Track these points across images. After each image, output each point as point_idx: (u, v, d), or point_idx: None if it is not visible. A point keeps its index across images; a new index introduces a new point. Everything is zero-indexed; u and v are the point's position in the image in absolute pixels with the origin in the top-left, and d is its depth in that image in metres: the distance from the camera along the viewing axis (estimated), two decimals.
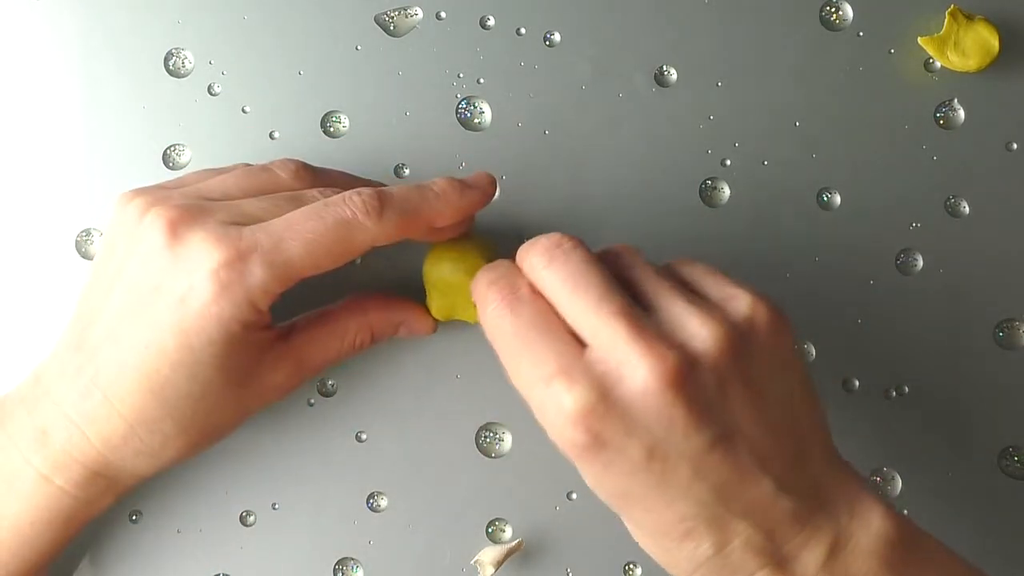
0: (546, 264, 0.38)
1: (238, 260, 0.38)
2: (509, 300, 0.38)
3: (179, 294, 0.38)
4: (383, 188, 0.40)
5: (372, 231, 0.39)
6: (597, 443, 0.36)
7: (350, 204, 0.39)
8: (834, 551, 0.37)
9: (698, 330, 0.37)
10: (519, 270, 0.39)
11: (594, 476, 0.37)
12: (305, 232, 0.38)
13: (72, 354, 0.40)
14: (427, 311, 0.44)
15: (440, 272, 0.43)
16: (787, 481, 0.37)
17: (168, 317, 0.38)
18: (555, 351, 0.37)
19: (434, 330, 0.45)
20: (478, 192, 0.41)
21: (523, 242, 0.39)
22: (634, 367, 0.36)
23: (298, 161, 0.43)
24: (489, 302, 0.38)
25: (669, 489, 0.36)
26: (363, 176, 0.45)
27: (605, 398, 0.36)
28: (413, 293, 0.45)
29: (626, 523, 0.39)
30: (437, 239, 0.43)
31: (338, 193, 0.40)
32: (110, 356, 0.39)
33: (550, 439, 0.37)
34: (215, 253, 0.38)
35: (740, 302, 0.38)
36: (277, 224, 0.38)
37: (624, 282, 0.39)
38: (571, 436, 0.36)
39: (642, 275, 0.39)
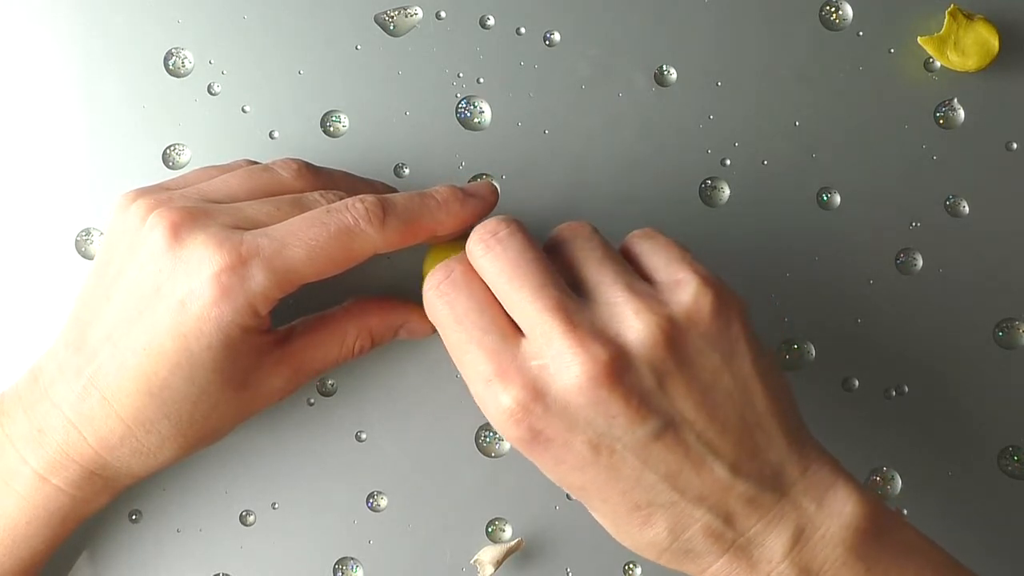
0: (483, 252, 0.38)
1: (240, 265, 0.38)
2: (444, 286, 0.39)
3: (179, 297, 0.38)
4: (386, 196, 0.40)
5: (374, 239, 0.39)
6: (540, 440, 0.37)
7: (353, 211, 0.39)
8: (799, 539, 0.37)
9: (632, 322, 0.37)
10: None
11: (549, 471, 0.38)
12: (307, 238, 0.38)
13: (71, 354, 0.40)
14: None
15: None
16: (742, 466, 0.37)
17: (168, 320, 0.38)
18: (491, 348, 0.37)
19: (434, 331, 0.45)
20: (480, 201, 0.41)
21: None
22: (567, 364, 0.36)
23: (300, 161, 0.43)
24: (427, 284, 0.39)
25: (620, 480, 0.37)
26: (364, 176, 0.45)
27: (542, 397, 0.36)
28: (412, 293, 0.45)
29: (592, 513, 0.40)
30: (436, 240, 0.43)
31: (340, 196, 0.40)
32: (109, 357, 0.39)
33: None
34: (216, 257, 0.38)
35: (684, 289, 0.38)
36: (279, 229, 0.38)
37: (569, 267, 0.39)
38: (514, 434, 0.37)
39: (586, 260, 0.39)
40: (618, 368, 0.36)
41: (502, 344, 0.37)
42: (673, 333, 0.37)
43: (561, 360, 0.36)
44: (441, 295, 0.39)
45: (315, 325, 0.43)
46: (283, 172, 0.42)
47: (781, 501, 0.37)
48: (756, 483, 0.37)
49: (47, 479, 0.40)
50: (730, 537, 0.37)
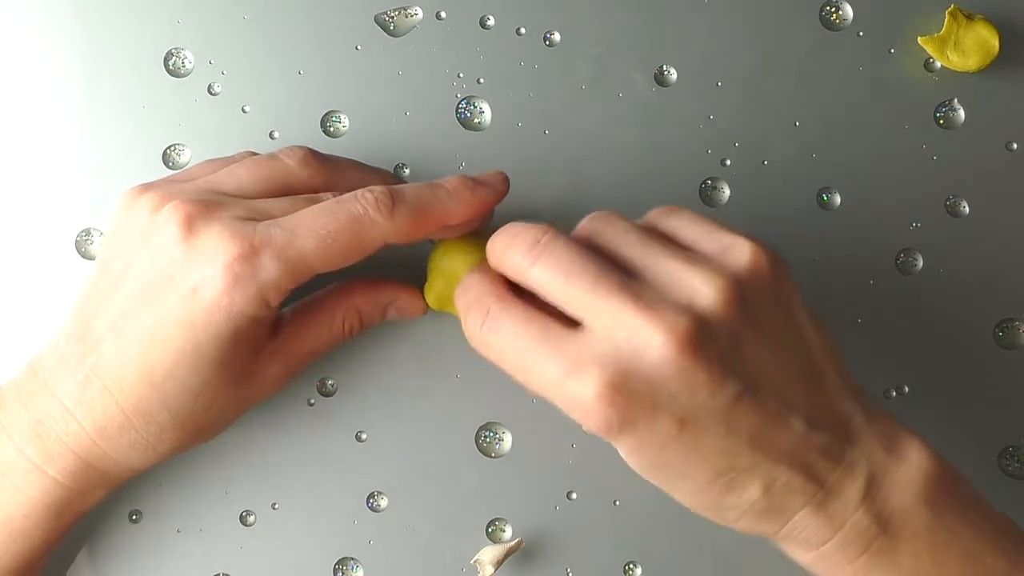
0: (532, 263, 0.38)
1: (252, 254, 0.38)
2: (487, 323, 0.38)
3: (192, 286, 0.38)
4: (395, 186, 0.40)
5: (385, 228, 0.39)
6: (627, 423, 0.36)
7: (362, 200, 0.39)
8: (871, 485, 0.37)
9: (701, 288, 0.37)
10: (491, 280, 0.39)
11: (629, 456, 0.37)
12: (318, 228, 0.38)
13: (73, 344, 0.40)
14: (416, 292, 0.44)
15: (450, 262, 0.42)
16: (814, 417, 0.37)
17: (178, 309, 0.38)
18: (557, 350, 0.36)
19: (425, 312, 0.44)
20: (490, 190, 0.41)
21: None
22: (647, 339, 0.36)
23: (306, 148, 0.43)
24: (470, 327, 0.39)
25: (704, 450, 0.36)
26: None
27: (625, 375, 0.36)
28: (411, 280, 0.44)
29: (667, 490, 0.39)
30: (450, 236, 0.43)
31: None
32: (113, 346, 0.39)
33: (584, 430, 0.37)
34: (229, 247, 0.38)
35: (738, 251, 0.38)
36: (291, 220, 0.39)
37: (611, 256, 0.38)
38: (601, 420, 0.36)
39: (627, 244, 0.39)
40: (699, 335, 0.36)
41: (566, 342, 0.36)
42: (741, 294, 0.37)
43: (638, 337, 0.36)
44: (487, 332, 0.38)
45: (302, 310, 0.43)
46: (289, 160, 0.42)
47: (853, 449, 0.37)
48: (829, 433, 0.37)
49: (44, 470, 0.40)
50: (810, 490, 0.37)
